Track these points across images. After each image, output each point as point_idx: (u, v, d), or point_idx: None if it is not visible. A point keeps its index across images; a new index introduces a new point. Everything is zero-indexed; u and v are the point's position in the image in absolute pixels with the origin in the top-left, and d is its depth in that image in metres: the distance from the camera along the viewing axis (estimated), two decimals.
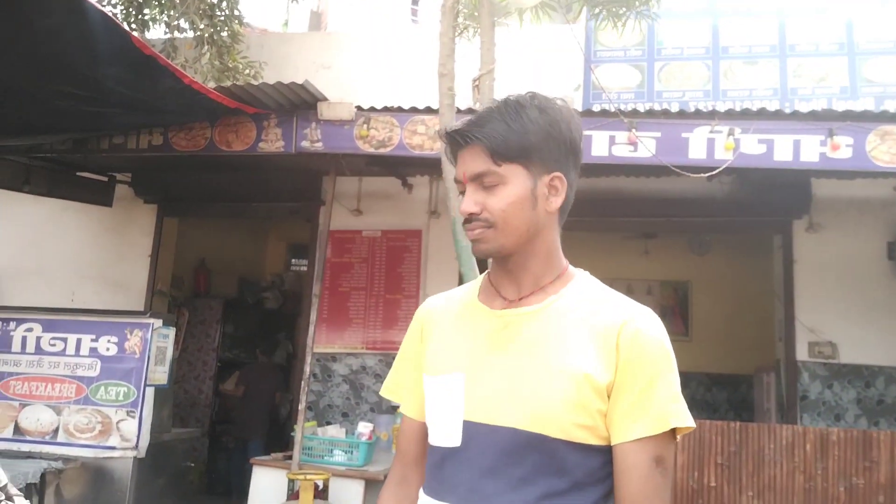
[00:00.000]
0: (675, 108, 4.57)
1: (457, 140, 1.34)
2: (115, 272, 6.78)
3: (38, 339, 4.61)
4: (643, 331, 1.29)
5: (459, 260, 3.08)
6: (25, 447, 4.42)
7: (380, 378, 5.98)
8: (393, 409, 5.39)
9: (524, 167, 1.32)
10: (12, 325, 4.68)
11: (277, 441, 6.66)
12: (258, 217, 8.25)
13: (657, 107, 4.70)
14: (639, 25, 5.81)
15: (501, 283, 1.40)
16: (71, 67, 3.86)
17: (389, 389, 1.54)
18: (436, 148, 4.38)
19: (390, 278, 6.16)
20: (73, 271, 6.84)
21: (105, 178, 6.43)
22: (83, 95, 4.10)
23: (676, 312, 8.35)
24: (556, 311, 1.33)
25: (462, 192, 1.36)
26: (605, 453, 1.27)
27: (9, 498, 1.23)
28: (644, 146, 4.18)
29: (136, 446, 4.35)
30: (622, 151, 4.21)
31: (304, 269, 8.74)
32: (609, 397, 1.26)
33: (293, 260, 9.78)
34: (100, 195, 6.44)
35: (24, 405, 4.57)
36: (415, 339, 1.50)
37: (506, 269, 1.38)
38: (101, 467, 4.40)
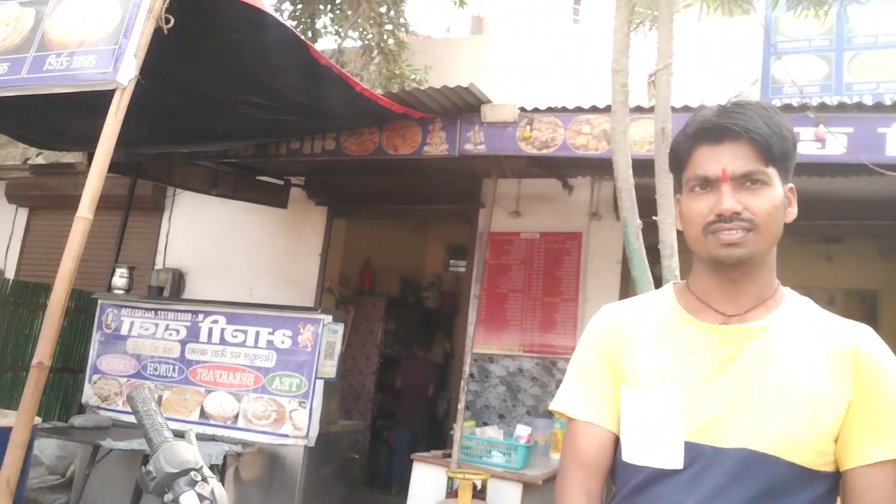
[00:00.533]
0: (868, 101, 4.13)
1: (725, 132, 1.24)
2: (288, 269, 7.20)
3: (223, 330, 4.99)
4: (876, 352, 1.23)
5: (631, 265, 2.94)
6: (210, 430, 4.78)
7: (537, 381, 5.92)
8: (549, 413, 5.32)
9: (779, 172, 1.25)
10: (201, 316, 5.09)
11: (436, 438, 6.78)
12: (420, 218, 8.47)
13: (848, 100, 4.27)
14: (824, 14, 5.33)
15: (714, 296, 1.31)
16: (254, 78, 4.14)
17: (563, 402, 1.40)
18: (601, 148, 4.25)
19: (548, 281, 6.08)
20: (251, 268, 7.34)
21: (281, 182, 6.85)
22: (264, 104, 4.38)
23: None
24: (781, 328, 1.26)
25: (697, 188, 1.27)
26: (830, 480, 1.22)
27: (204, 479, 1.30)
28: (836, 142, 3.82)
29: (307, 435, 4.58)
30: (808, 149, 3.87)
31: (462, 269, 8.85)
32: (844, 421, 1.20)
33: (451, 261, 9.94)
34: (276, 197, 6.87)
35: (209, 391, 4.96)
36: (604, 348, 1.38)
37: (730, 279, 1.28)
38: (276, 453, 4.68)
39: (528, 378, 6.02)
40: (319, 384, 4.63)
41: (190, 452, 1.36)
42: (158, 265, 7.69)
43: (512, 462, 4.58)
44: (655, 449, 1.25)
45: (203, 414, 4.89)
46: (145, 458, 4.67)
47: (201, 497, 1.28)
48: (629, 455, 1.29)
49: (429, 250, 10.09)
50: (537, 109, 4.49)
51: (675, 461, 1.22)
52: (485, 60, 6.99)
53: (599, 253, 5.93)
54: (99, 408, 5.29)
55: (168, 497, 1.31)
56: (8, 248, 8.68)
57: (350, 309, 7.98)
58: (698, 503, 1.19)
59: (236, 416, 4.79)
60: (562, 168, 5.69)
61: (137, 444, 4.39)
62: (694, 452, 1.21)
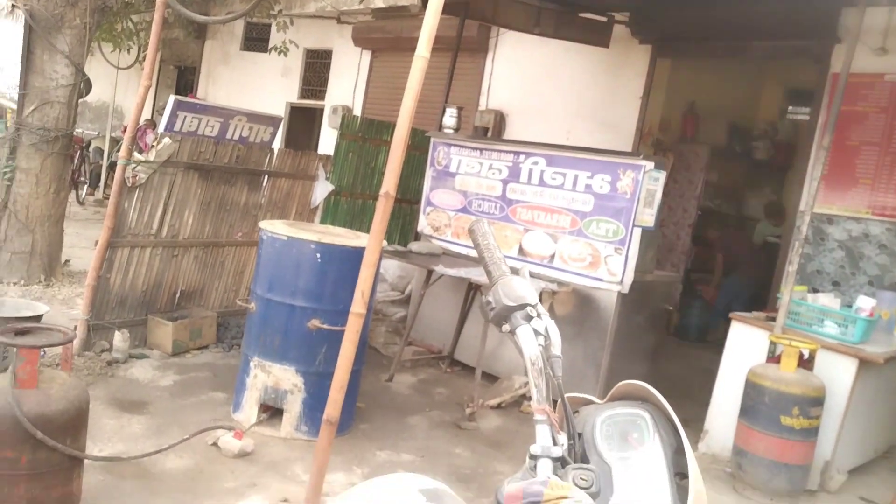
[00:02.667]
0: None
1: None
2: (607, 113, 7.00)
3: (542, 172, 5.06)
4: None
5: None
6: (529, 267, 5.01)
7: (885, 249, 5.15)
8: None
9: None
10: (522, 157, 5.21)
11: (757, 300, 6.39)
12: (756, 57, 7.51)
13: None
14: None
15: None
16: None
17: None
18: None
19: None
20: (569, 110, 7.28)
21: (604, 19, 6.50)
22: None
23: None
24: None
25: None
26: None
27: (539, 315, 1.31)
28: None
29: (622, 281, 4.58)
30: None
31: (803, 117, 7.83)
32: None
33: (790, 107, 8.83)
34: (598, 35, 6.57)
35: (527, 230, 5.15)
36: None
37: None
38: (589, 295, 4.78)
39: (875, 245, 5.26)
40: (637, 232, 4.52)
41: (526, 288, 1.37)
42: (482, 106, 7.99)
43: (848, 335, 4.13)
44: None
45: (521, 251, 5.13)
46: (471, 286, 5.09)
47: (536, 332, 1.30)
48: None
49: (763, 95, 9.06)
50: None
51: None
52: None
53: None
54: (431, 237, 5.84)
55: (506, 328, 1.35)
56: (355, 87, 9.67)
57: (670, 156, 7.59)
58: None
59: (552, 256, 4.94)
60: None
61: (465, 272, 4.78)
62: None
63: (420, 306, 5.26)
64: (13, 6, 5.88)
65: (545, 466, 1.16)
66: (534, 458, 1.18)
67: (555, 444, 1.21)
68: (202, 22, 10.01)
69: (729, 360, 4.47)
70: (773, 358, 4.17)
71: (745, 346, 4.40)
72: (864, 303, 4.20)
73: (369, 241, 3.19)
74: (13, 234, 5.92)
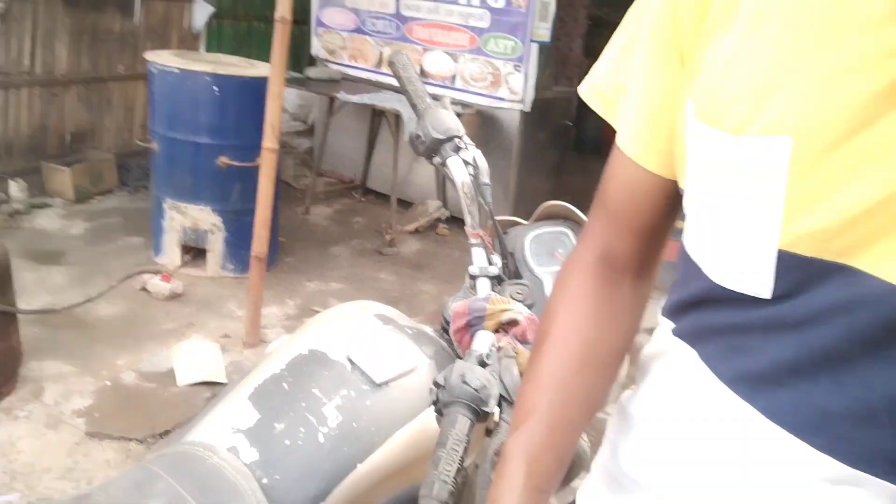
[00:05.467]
0: None
1: None
2: None
3: None
4: None
5: None
6: (431, 90, 4.99)
7: None
8: None
9: None
10: None
11: None
12: None
13: None
14: None
15: None
16: None
17: (597, 91, 0.79)
18: None
19: None
20: None
21: None
22: None
23: None
24: None
25: None
26: None
27: (465, 146, 1.41)
28: None
29: (523, 100, 4.70)
30: None
31: None
32: None
33: None
34: None
35: (426, 49, 5.11)
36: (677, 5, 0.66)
37: None
38: (492, 115, 4.89)
39: None
40: (534, 48, 4.58)
41: (453, 120, 1.45)
42: None
43: None
44: (733, 256, 0.62)
45: (422, 73, 5.11)
46: (376, 112, 5.05)
47: (465, 162, 1.39)
48: (690, 245, 0.69)
49: None
50: None
51: (761, 284, 0.59)
52: None
53: None
54: (327, 61, 5.68)
55: (437, 160, 1.42)
56: None
57: None
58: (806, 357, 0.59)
59: (454, 77, 4.97)
60: None
61: (369, 98, 4.76)
62: (805, 273, 0.57)
63: (326, 136, 5.25)
64: None
65: (484, 285, 1.28)
66: (473, 277, 1.30)
67: (490, 264, 1.36)
68: None
69: None
70: None
71: None
72: None
73: (271, 70, 3.15)
74: None
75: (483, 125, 4.91)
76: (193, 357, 3.13)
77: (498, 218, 1.44)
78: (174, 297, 3.70)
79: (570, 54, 7.63)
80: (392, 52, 1.56)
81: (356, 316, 1.31)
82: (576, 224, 1.50)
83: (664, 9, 0.67)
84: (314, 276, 4.21)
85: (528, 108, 4.73)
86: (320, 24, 5.67)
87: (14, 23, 4.48)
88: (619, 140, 0.75)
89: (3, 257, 2.77)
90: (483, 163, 1.43)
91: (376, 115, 5.13)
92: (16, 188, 4.48)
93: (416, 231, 5.02)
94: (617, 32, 0.77)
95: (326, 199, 5.53)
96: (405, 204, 5.19)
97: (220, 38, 5.99)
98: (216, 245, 3.98)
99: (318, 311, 3.94)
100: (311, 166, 5.59)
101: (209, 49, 5.78)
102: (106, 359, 3.11)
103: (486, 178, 1.42)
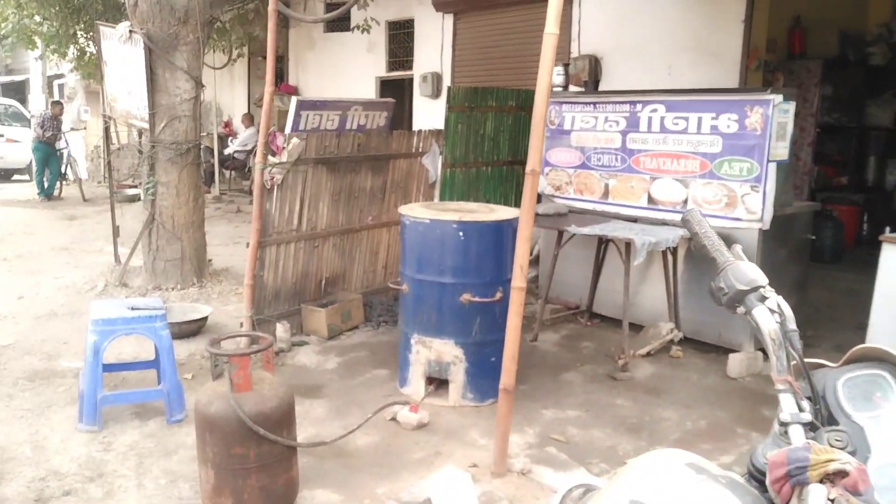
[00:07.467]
0: None
1: None
2: (708, 42, 6.80)
3: (662, 118, 5.02)
4: None
5: None
6: (659, 215, 5.02)
7: None
8: None
9: None
10: (639, 106, 5.18)
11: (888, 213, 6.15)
12: None
13: None
14: None
15: None
16: None
17: None
18: None
19: None
20: (666, 44, 7.09)
21: None
22: None
23: None
24: None
25: None
26: None
27: (770, 296, 1.39)
28: None
29: (762, 218, 4.53)
30: None
31: None
32: None
33: None
34: None
35: (654, 178, 5.15)
36: None
37: None
38: (729, 236, 4.74)
39: None
40: (772, 167, 4.46)
41: (755, 272, 1.46)
42: (574, 53, 7.90)
43: None
44: None
45: (650, 200, 5.14)
46: (601, 240, 5.08)
47: (771, 311, 1.38)
48: None
49: None
50: None
51: None
52: None
53: None
54: (553, 196, 5.91)
55: (740, 310, 1.44)
56: (441, 52, 9.72)
57: (779, 76, 7.32)
58: None
59: (685, 202, 4.93)
60: None
61: (599, 229, 4.85)
62: None
63: (554, 266, 5.38)
64: (130, 32, 6.21)
65: (797, 432, 1.23)
66: (783, 424, 1.26)
67: (800, 410, 1.31)
68: (310, 22, 10.27)
69: (885, 283, 4.37)
70: None
71: None
72: None
73: (521, 216, 3.33)
74: (163, 243, 6.40)
75: None
76: (450, 487, 3.22)
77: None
78: (421, 426, 3.87)
79: (797, 163, 7.31)
80: (686, 211, 1.63)
81: (669, 466, 1.30)
82: (892, 366, 1.41)
83: None
84: (549, 404, 4.20)
85: (766, 226, 4.56)
86: (547, 163, 5.96)
87: (288, 190, 5.20)
88: None
89: (290, 398, 3.09)
90: (788, 310, 1.42)
91: (602, 243, 5.20)
92: (281, 329, 5.04)
93: (649, 354, 4.89)
94: None
95: (553, 324, 5.59)
96: (635, 327, 5.10)
97: (452, 183, 6.49)
98: (458, 376, 4.15)
99: (558, 440, 3.89)
100: (537, 294, 5.71)
101: (442, 194, 6.27)
102: (367, 488, 3.28)
103: (792, 324, 1.41)
